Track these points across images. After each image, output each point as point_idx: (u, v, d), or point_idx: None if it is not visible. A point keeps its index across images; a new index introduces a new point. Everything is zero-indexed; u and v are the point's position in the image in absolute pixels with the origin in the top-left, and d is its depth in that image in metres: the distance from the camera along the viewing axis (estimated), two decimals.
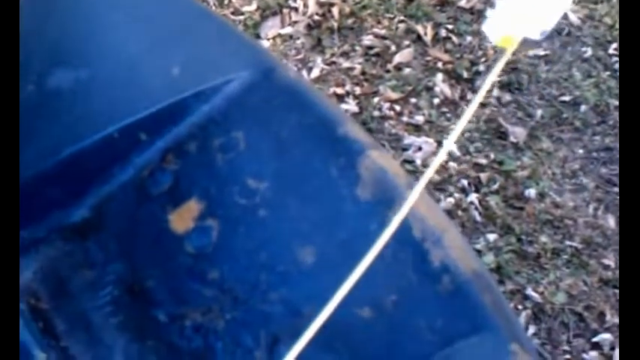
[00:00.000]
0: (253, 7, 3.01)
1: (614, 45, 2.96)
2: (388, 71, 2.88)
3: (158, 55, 1.27)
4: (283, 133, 1.18)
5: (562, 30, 3.00)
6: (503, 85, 2.83)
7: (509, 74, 2.86)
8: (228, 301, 1.11)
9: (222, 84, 1.21)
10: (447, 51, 2.92)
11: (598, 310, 2.31)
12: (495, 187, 2.56)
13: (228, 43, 1.26)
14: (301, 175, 1.15)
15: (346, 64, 2.90)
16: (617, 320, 2.28)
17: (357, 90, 2.81)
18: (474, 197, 2.53)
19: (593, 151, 2.69)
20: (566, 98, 2.81)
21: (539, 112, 2.77)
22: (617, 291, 2.34)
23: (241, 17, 2.99)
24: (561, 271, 2.39)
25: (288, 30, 2.99)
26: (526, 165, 2.62)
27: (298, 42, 2.97)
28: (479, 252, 2.40)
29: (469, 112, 0.82)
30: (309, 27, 3.00)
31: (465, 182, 2.57)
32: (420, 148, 2.63)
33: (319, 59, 2.91)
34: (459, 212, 2.50)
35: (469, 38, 2.95)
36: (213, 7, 3.00)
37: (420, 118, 2.74)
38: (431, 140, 2.65)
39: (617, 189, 2.58)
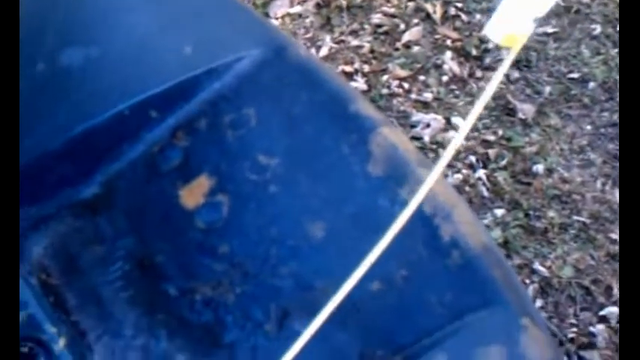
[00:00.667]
0: None
1: None
2: (397, 49, 2.85)
3: (169, 33, 1.25)
4: (294, 110, 1.16)
5: (571, 7, 2.96)
6: (512, 62, 2.80)
7: (518, 51, 2.83)
8: (239, 275, 1.10)
9: (234, 61, 1.20)
10: (455, 29, 2.89)
11: (605, 283, 2.29)
12: (503, 163, 2.54)
13: (239, 21, 1.24)
14: (312, 151, 1.14)
15: (355, 43, 2.87)
16: None
17: (366, 68, 2.79)
18: (481, 173, 2.52)
19: (601, 127, 2.66)
20: (575, 75, 2.78)
21: (547, 89, 2.74)
22: None
23: None
24: (569, 246, 2.37)
25: (297, 9, 2.96)
26: (534, 141, 2.60)
27: (307, 21, 2.94)
28: (486, 227, 2.38)
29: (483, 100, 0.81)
30: (318, 6, 2.97)
31: (473, 158, 2.55)
32: (428, 125, 2.61)
33: (328, 38, 2.88)
34: (467, 188, 2.48)
35: (478, 16, 2.92)
36: None
37: (428, 96, 2.71)
38: (439, 117, 2.63)
39: None
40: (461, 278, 1.03)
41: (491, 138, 2.61)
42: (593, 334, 2.19)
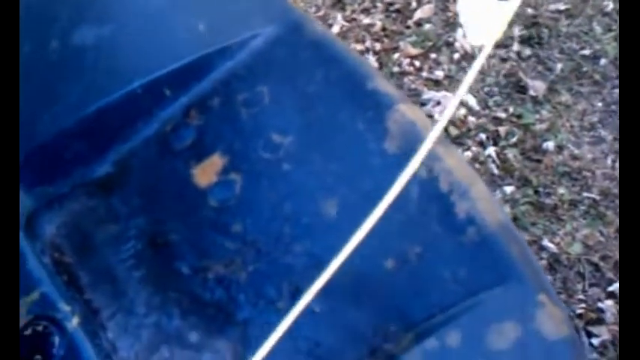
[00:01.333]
0: None
1: None
2: (408, 27, 2.82)
3: (183, 11, 1.23)
4: (309, 88, 1.14)
5: None
6: (524, 40, 2.77)
7: (530, 29, 2.80)
8: (251, 253, 1.08)
9: (248, 39, 1.17)
10: None
11: (614, 259, 2.27)
12: (514, 140, 2.51)
13: None
14: (327, 129, 1.11)
15: (366, 21, 2.84)
16: None
17: (377, 46, 2.76)
18: (492, 150, 2.49)
19: (612, 104, 2.62)
20: (586, 52, 2.75)
21: (559, 66, 2.71)
22: None
23: None
24: (578, 222, 2.35)
25: None
26: (545, 118, 2.57)
27: None
28: None
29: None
30: None
31: (483, 136, 2.53)
32: (438, 103, 2.59)
33: (339, 16, 2.85)
34: (477, 165, 2.46)
35: None
36: None
37: (439, 74, 2.69)
38: (450, 95, 2.60)
39: None
40: (476, 255, 1.01)
41: (502, 115, 2.58)
42: (601, 310, 2.18)
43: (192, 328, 1.05)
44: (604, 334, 2.12)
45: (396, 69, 2.69)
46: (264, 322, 1.05)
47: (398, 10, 2.85)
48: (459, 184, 1.04)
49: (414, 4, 2.85)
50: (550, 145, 2.50)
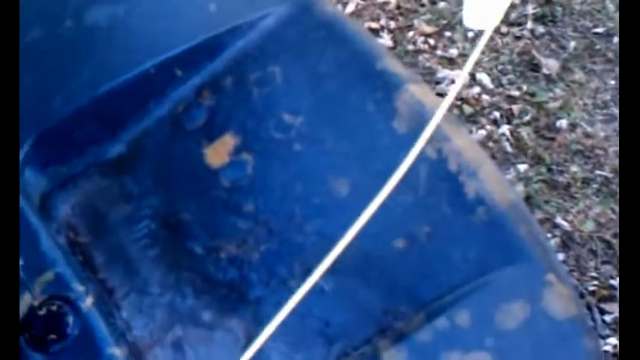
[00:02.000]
0: None
1: None
2: (423, 5, 2.79)
3: None
4: (320, 68, 1.13)
5: None
6: (537, 18, 2.74)
7: (543, 7, 2.76)
8: (263, 233, 1.07)
9: (259, 19, 1.16)
10: None
11: None
12: (527, 118, 2.49)
13: None
14: (337, 109, 1.11)
15: None
16: None
17: (392, 24, 2.73)
18: (505, 129, 2.47)
19: None
20: (600, 30, 2.71)
21: (572, 44, 2.67)
22: None
23: None
24: (591, 200, 2.33)
25: None
26: (558, 96, 2.54)
27: None
28: (509, 182, 2.34)
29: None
30: None
31: (497, 114, 2.51)
32: (453, 82, 2.56)
33: None
34: (491, 144, 2.44)
35: None
36: None
37: (454, 52, 2.66)
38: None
39: None
40: (485, 235, 1.00)
41: (516, 93, 2.55)
42: (613, 287, 2.16)
43: (205, 308, 1.05)
44: (616, 311, 2.11)
45: (410, 47, 2.67)
46: (276, 301, 1.05)
47: None
48: (468, 164, 1.03)
49: None
50: (563, 123, 2.48)
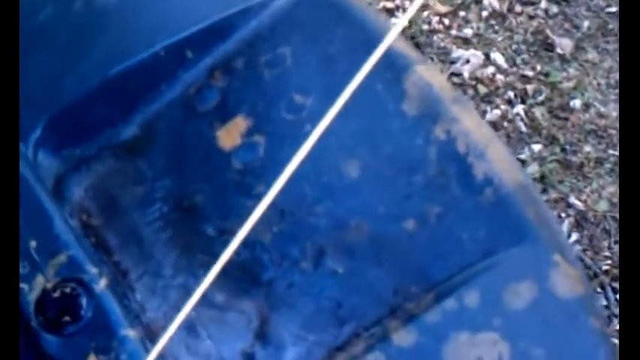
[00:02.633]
0: None
1: None
2: None
3: None
4: (330, 49, 1.12)
5: None
6: None
7: None
8: (275, 214, 1.07)
9: (269, 0, 1.15)
10: None
11: None
12: (541, 98, 2.47)
13: None
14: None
15: None
16: None
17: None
18: (519, 109, 2.45)
19: None
20: (613, 9, 2.68)
21: (585, 24, 2.64)
22: None
23: None
24: (604, 180, 2.31)
25: None
26: (572, 76, 2.52)
27: None
28: (523, 162, 2.33)
29: None
30: None
31: (511, 94, 2.48)
32: (467, 61, 2.54)
33: None
34: (505, 124, 2.42)
35: None
36: None
37: (468, 31, 2.64)
38: (479, 53, 2.56)
39: None
40: (494, 215, 1.00)
41: (530, 73, 2.53)
42: None
43: (218, 289, 1.05)
44: None
45: (425, 27, 2.65)
46: (288, 282, 1.05)
47: None
48: (476, 144, 1.02)
49: None
50: (577, 103, 2.45)
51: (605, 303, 2.10)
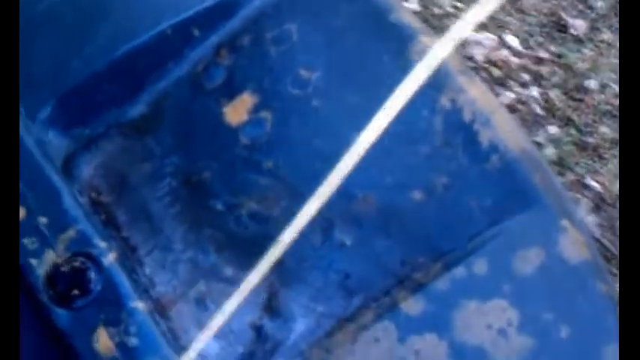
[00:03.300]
0: None
1: None
2: None
3: None
4: (335, 23, 1.12)
5: None
6: None
7: None
8: (283, 189, 1.07)
9: None
10: None
11: None
12: (556, 79, 2.45)
13: None
14: (353, 63, 1.10)
15: None
16: None
17: None
18: (534, 91, 2.44)
19: None
20: None
21: (599, 4, 2.63)
22: None
23: None
24: None
25: None
26: (586, 57, 2.51)
27: None
28: (539, 145, 2.32)
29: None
30: None
31: (525, 76, 2.47)
32: (481, 44, 2.53)
33: None
34: (520, 106, 2.41)
35: None
36: None
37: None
38: (492, 36, 2.55)
39: None
40: (500, 183, 1.00)
41: (544, 55, 2.52)
42: None
43: (227, 264, 1.05)
44: None
45: (438, 11, 2.64)
46: (298, 257, 1.05)
47: None
48: (482, 112, 1.02)
49: None
50: (592, 83, 2.44)
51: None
